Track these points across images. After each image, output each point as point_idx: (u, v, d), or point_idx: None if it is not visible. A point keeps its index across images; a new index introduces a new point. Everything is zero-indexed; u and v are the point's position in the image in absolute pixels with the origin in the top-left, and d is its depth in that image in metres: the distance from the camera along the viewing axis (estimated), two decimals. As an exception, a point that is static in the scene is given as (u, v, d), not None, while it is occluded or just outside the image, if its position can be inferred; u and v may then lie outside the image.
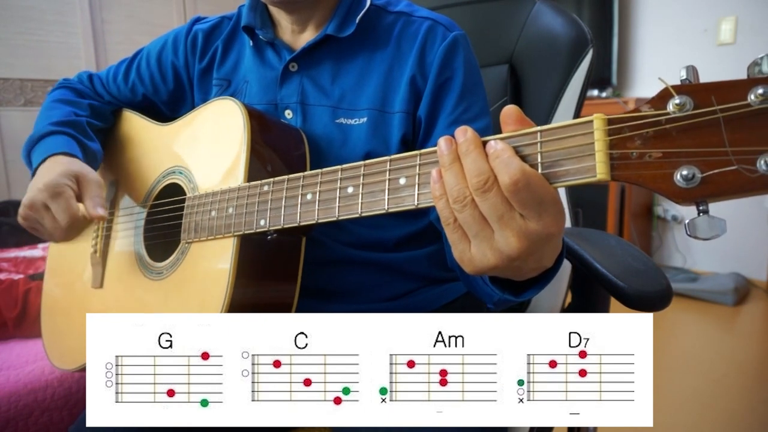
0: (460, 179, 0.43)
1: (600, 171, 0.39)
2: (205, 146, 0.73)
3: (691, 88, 0.37)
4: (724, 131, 0.36)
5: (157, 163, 0.80)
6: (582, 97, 0.90)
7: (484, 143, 0.43)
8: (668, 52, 2.97)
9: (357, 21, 0.74)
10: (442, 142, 0.44)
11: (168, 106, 0.90)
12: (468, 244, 0.45)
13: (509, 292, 0.52)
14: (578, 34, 0.89)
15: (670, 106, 0.37)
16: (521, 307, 0.95)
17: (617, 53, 3.02)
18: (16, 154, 2.65)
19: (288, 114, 0.76)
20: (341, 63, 0.76)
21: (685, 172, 0.37)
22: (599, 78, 2.99)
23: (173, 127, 0.81)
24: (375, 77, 0.74)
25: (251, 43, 0.81)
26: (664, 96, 0.38)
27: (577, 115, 0.90)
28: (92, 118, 0.88)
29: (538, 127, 0.42)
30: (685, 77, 0.38)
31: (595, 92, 3.02)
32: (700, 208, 0.38)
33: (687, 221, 0.38)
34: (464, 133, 0.44)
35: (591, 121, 0.40)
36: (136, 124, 0.89)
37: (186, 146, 0.77)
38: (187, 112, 0.84)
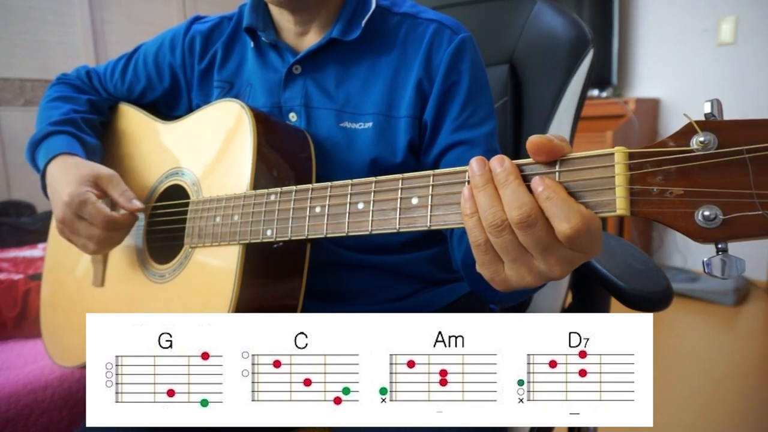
0: (495, 202, 0.41)
1: (620, 206, 0.38)
2: (210, 149, 0.72)
3: (716, 125, 0.36)
4: (751, 172, 0.35)
5: (159, 162, 0.80)
6: (582, 98, 0.90)
7: (526, 177, 0.41)
8: (668, 52, 2.96)
9: (363, 24, 0.73)
10: (474, 162, 0.42)
11: (165, 105, 0.90)
12: (501, 265, 0.43)
13: None
14: (579, 34, 0.89)
15: (694, 143, 0.36)
16: (521, 307, 0.95)
17: (617, 53, 3.01)
18: (16, 154, 2.65)
19: (292, 117, 0.76)
20: (346, 66, 0.75)
21: (707, 213, 0.36)
22: (599, 78, 2.98)
23: (175, 126, 0.81)
24: (380, 81, 0.73)
25: (252, 45, 0.80)
26: (687, 131, 0.37)
27: (577, 115, 0.90)
28: (90, 114, 0.88)
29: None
30: (709, 112, 0.37)
31: (595, 92, 3.02)
32: (719, 246, 0.37)
33: (705, 259, 0.37)
34: (501, 163, 0.41)
35: (612, 154, 0.39)
36: (135, 120, 0.89)
37: (189, 147, 0.76)
38: (183, 111, 0.83)
